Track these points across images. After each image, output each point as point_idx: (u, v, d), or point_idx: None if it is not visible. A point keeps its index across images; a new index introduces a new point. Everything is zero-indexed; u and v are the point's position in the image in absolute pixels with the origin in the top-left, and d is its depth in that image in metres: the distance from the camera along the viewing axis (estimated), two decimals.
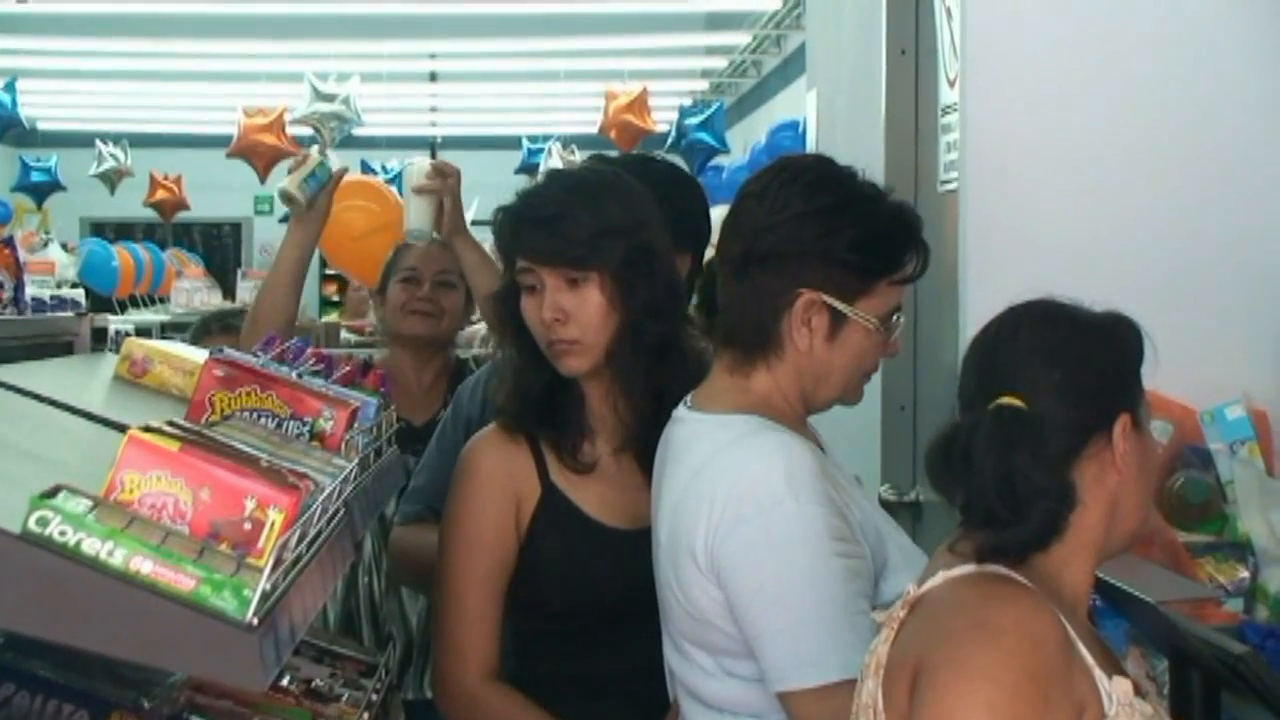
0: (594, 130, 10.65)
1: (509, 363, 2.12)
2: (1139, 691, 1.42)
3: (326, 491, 1.35)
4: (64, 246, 8.44)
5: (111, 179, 12.29)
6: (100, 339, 3.75)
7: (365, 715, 1.79)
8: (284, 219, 3.05)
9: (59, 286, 5.17)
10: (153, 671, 1.39)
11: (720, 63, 13.15)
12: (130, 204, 12.59)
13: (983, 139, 2.75)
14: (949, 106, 2.89)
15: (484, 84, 13.34)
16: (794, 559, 1.71)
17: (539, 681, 2.06)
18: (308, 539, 1.26)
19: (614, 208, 2.03)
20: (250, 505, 1.16)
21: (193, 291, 9.27)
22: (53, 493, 1.10)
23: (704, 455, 1.81)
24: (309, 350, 1.92)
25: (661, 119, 10.82)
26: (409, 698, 2.82)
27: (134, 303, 10.59)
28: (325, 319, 9.33)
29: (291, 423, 1.65)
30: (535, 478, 2.07)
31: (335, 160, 2.88)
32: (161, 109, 13.87)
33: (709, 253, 2.38)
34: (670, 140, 10.18)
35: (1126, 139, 2.72)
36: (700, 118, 10.24)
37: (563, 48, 11.20)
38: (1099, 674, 1.40)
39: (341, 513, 1.45)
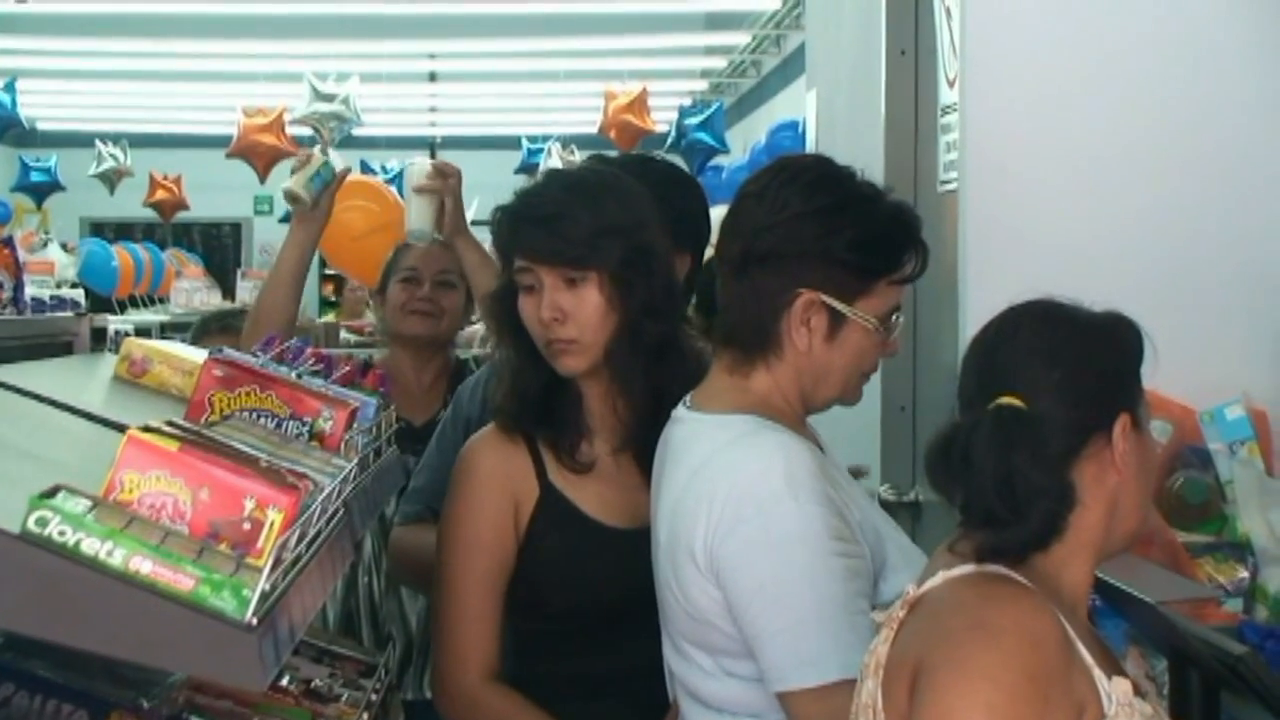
0: (594, 130, 10.65)
1: (506, 363, 2.12)
2: (1138, 691, 1.42)
3: (326, 491, 1.35)
4: (63, 246, 8.44)
5: (111, 179, 12.29)
6: (100, 339, 3.76)
7: (365, 715, 1.79)
8: (284, 219, 3.05)
9: (58, 286, 5.18)
10: (152, 671, 1.39)
11: (720, 63, 13.15)
12: (130, 204, 12.59)
13: (982, 139, 2.75)
14: (948, 106, 2.89)
15: (483, 84, 13.34)
16: (793, 559, 1.71)
17: (538, 682, 2.06)
18: (307, 539, 1.26)
19: (613, 207, 2.03)
20: (249, 505, 1.16)
21: (192, 292, 9.27)
22: (52, 493, 1.10)
23: (703, 455, 1.81)
24: (308, 350, 1.92)
25: (661, 119, 10.82)
26: (408, 698, 2.82)
27: (133, 303, 10.59)
28: (322, 319, 9.32)
29: (291, 423, 1.65)
30: (533, 478, 2.07)
31: (338, 160, 2.88)
32: (161, 109, 13.87)
33: (708, 252, 2.38)
34: (670, 140, 10.18)
35: (1126, 139, 2.72)
36: (700, 118, 10.24)
37: (562, 48, 11.20)
38: (1098, 674, 1.40)
39: (341, 513, 1.45)
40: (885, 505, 2.95)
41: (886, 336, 1.88)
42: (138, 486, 1.16)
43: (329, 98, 9.92)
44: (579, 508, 2.07)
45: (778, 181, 1.86)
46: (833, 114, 3.91)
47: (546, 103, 13.24)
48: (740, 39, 12.02)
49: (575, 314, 2.00)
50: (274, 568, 1.13)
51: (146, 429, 1.19)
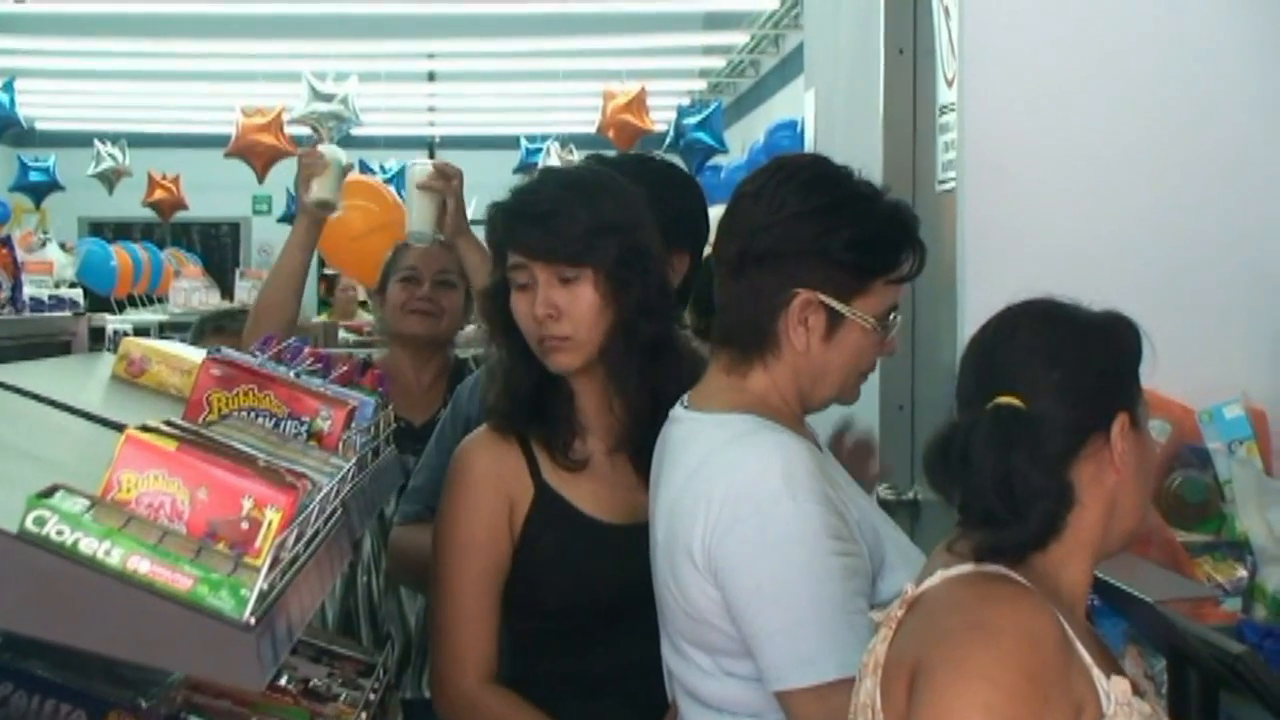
0: (592, 130, 10.65)
1: (499, 362, 2.12)
2: (1137, 691, 1.42)
3: (324, 491, 1.34)
4: (62, 246, 8.44)
5: (110, 179, 12.28)
6: (98, 338, 3.76)
7: (363, 715, 1.79)
8: (283, 219, 3.05)
9: (57, 286, 5.18)
10: (150, 671, 1.39)
11: (718, 62, 13.15)
12: (128, 204, 12.58)
13: (981, 138, 2.75)
14: (947, 106, 2.89)
15: (482, 84, 13.34)
16: (792, 558, 1.71)
17: (536, 681, 2.06)
18: (305, 538, 1.26)
19: (610, 206, 2.03)
20: (248, 504, 1.16)
21: (191, 291, 9.26)
22: (50, 492, 1.10)
23: (701, 454, 1.81)
24: (306, 350, 1.92)
25: (660, 119, 10.82)
26: (407, 697, 2.82)
27: (132, 302, 10.58)
28: (317, 319, 9.33)
29: (289, 422, 1.65)
30: (528, 477, 2.07)
31: (340, 152, 2.88)
32: (160, 109, 13.86)
33: (707, 252, 2.38)
34: (668, 140, 10.18)
35: (1125, 138, 2.72)
36: (698, 117, 10.24)
37: (561, 47, 11.20)
38: (1097, 673, 1.40)
39: (339, 512, 1.45)
40: (884, 504, 2.95)
41: (884, 336, 1.88)
42: (136, 486, 1.16)
43: (328, 97, 9.91)
44: (574, 505, 2.06)
45: (775, 181, 1.86)
46: (831, 113, 3.91)
47: (545, 102, 13.25)
48: (739, 39, 12.02)
49: (569, 311, 2.00)
50: (272, 567, 1.13)
51: (144, 428, 1.19)
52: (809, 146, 4.24)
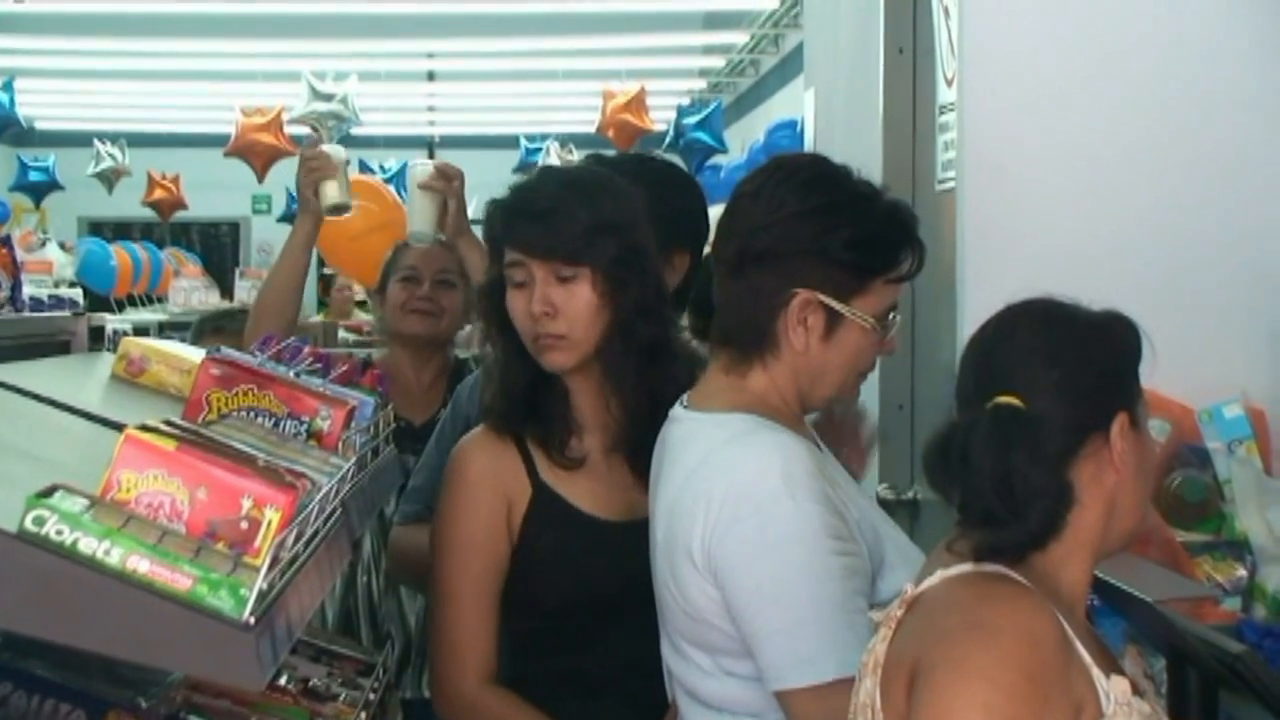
0: (592, 129, 10.65)
1: (495, 360, 2.12)
2: (1137, 690, 1.42)
3: (323, 491, 1.34)
4: (62, 246, 8.45)
5: (109, 178, 12.28)
6: (97, 338, 3.76)
7: (363, 715, 1.79)
8: (282, 218, 3.05)
9: (57, 286, 5.18)
10: (150, 671, 1.39)
11: (718, 62, 13.15)
12: (128, 203, 12.58)
13: (980, 138, 2.75)
14: (946, 105, 2.89)
15: (482, 83, 13.34)
16: (791, 558, 1.71)
17: (535, 681, 2.06)
18: (304, 538, 1.26)
19: (609, 205, 2.03)
20: (247, 504, 1.16)
21: (190, 291, 9.26)
22: (49, 492, 1.10)
23: (700, 454, 1.81)
24: (306, 349, 1.92)
25: (659, 118, 10.82)
26: (407, 697, 2.82)
27: (132, 302, 10.59)
28: (315, 318, 9.33)
29: (288, 422, 1.65)
30: (525, 477, 2.07)
31: (340, 150, 2.87)
32: (159, 108, 13.86)
33: (707, 251, 2.37)
34: (668, 139, 10.18)
35: (1125, 138, 2.72)
36: (698, 117, 10.24)
37: (560, 47, 11.20)
38: (1097, 673, 1.40)
39: (338, 512, 1.45)
40: (883, 504, 2.95)
41: (884, 335, 1.88)
42: (135, 486, 1.16)
43: (327, 97, 9.91)
44: (572, 503, 2.06)
45: (774, 180, 1.86)
46: (831, 113, 3.91)
47: (545, 102, 13.25)
48: (738, 38, 12.02)
49: (566, 309, 2.00)
50: (271, 567, 1.13)
51: (144, 428, 1.19)
52: (809, 146, 4.24)
